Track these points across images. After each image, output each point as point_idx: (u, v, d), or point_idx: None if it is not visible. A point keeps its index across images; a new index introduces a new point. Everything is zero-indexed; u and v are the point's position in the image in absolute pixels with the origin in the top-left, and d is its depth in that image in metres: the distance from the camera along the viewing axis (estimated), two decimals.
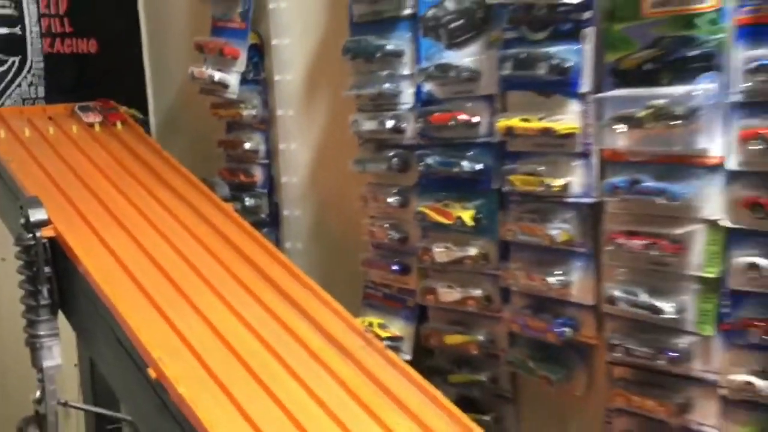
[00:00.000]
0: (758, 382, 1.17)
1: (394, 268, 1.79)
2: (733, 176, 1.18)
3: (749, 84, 1.12)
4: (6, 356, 2.33)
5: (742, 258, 1.16)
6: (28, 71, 2.54)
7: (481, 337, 1.65)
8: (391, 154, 1.73)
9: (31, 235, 1.78)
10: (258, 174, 2.21)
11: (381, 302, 1.85)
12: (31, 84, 2.55)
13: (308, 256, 2.11)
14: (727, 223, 1.20)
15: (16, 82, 2.51)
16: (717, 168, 1.21)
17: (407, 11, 1.66)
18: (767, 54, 1.09)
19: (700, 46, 1.21)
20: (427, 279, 1.71)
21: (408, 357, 1.73)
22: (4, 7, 2.41)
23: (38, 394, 1.87)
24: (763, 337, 1.16)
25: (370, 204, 1.80)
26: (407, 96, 1.69)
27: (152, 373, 1.41)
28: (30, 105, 2.51)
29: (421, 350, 1.77)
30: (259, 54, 2.15)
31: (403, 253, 1.78)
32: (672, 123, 1.19)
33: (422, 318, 1.78)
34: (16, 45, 2.50)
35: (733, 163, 1.17)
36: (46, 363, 1.83)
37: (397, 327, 1.78)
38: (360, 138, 1.79)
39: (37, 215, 1.79)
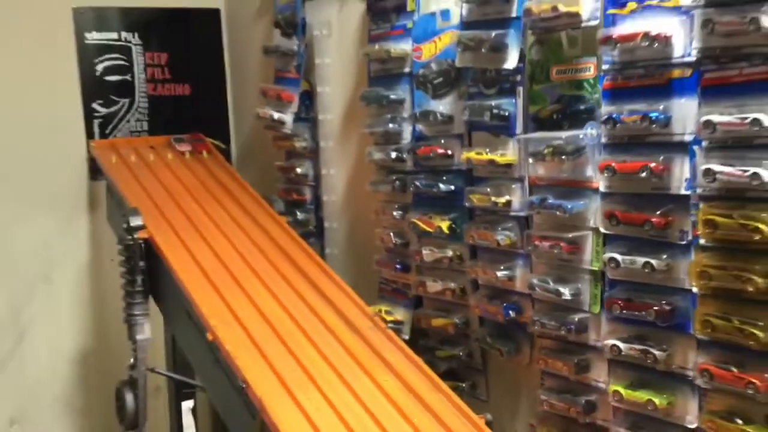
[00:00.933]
0: (621, 344, 1.65)
1: (398, 267, 2.31)
2: (602, 196, 1.67)
3: (604, 130, 1.62)
4: (112, 331, 2.86)
5: (607, 254, 1.65)
6: (136, 110, 3.01)
7: (457, 320, 2.14)
8: (394, 177, 2.25)
9: (130, 236, 2.26)
10: (307, 194, 2.73)
11: (390, 294, 2.37)
12: (137, 120, 3.01)
13: (343, 259, 2.63)
14: (602, 229, 1.69)
15: (126, 119, 2.99)
16: (597, 190, 1.70)
17: (407, 69, 2.18)
18: (615, 110, 1.59)
19: (586, 102, 1.70)
20: (420, 275, 2.23)
21: (407, 337, 2.23)
22: (119, 60, 2.94)
23: (132, 361, 2.34)
24: (623, 311, 1.64)
25: (381, 217, 2.32)
26: (407, 133, 2.21)
27: (209, 336, 1.94)
28: (136, 137, 2.99)
29: (417, 332, 2.28)
30: (309, 98, 2.67)
31: (405, 256, 2.30)
32: (563, 158, 1.70)
33: (419, 306, 2.30)
34: (126, 89, 2.98)
35: (601, 187, 1.67)
36: (139, 336, 2.31)
37: (400, 313, 2.29)
38: (375, 165, 2.34)
39: (135, 221, 2.28)
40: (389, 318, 2.24)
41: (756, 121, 1.35)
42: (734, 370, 1.45)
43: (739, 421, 1.47)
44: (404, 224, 2.25)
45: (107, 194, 2.75)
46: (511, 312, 1.95)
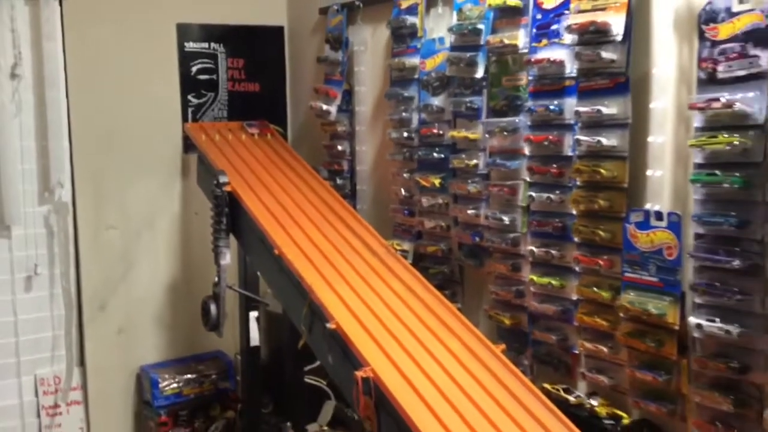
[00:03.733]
0: (535, 249, 2.84)
1: (405, 212, 3.47)
2: (528, 158, 2.87)
3: (528, 117, 2.83)
4: (194, 267, 3.97)
5: (529, 193, 2.85)
6: (219, 101, 3.97)
7: (443, 247, 3.31)
8: (405, 150, 3.40)
9: (219, 189, 3.10)
10: (345, 165, 3.83)
11: (400, 233, 3.51)
12: (219, 109, 3.97)
13: (370, 212, 3.75)
14: (527, 179, 2.89)
15: (211, 108, 3.95)
16: (525, 155, 2.89)
17: (416, 76, 3.35)
18: (533, 104, 2.78)
19: (521, 99, 2.90)
20: (420, 216, 3.40)
21: (410, 261, 3.38)
22: (208, 63, 3.93)
23: (216, 280, 3.19)
24: (536, 228, 2.84)
25: (396, 178, 3.48)
26: (414, 120, 3.37)
27: (276, 251, 2.93)
28: (218, 121, 3.91)
29: (418, 257, 3.43)
30: (349, 95, 3.79)
31: (410, 204, 3.45)
32: (506, 134, 2.90)
33: (420, 239, 3.48)
34: (212, 85, 3.95)
35: (526, 152, 2.86)
36: (222, 261, 3.16)
37: (406, 245, 3.44)
38: (393, 142, 3.54)
39: (223, 179, 3.12)
40: (398, 247, 3.40)
41: (599, 111, 2.54)
42: (589, 256, 2.65)
43: (595, 289, 2.65)
44: (410, 182, 3.40)
45: (198, 163, 3.65)
46: (476, 237, 3.11)
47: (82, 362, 3.84)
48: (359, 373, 2.32)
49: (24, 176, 3.62)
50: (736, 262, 2.17)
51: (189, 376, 3.97)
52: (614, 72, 2.53)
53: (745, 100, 2.14)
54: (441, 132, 3.24)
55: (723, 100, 2.16)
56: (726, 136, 2.17)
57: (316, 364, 3.72)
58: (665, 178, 2.43)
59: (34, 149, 3.64)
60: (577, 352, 2.77)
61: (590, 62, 2.57)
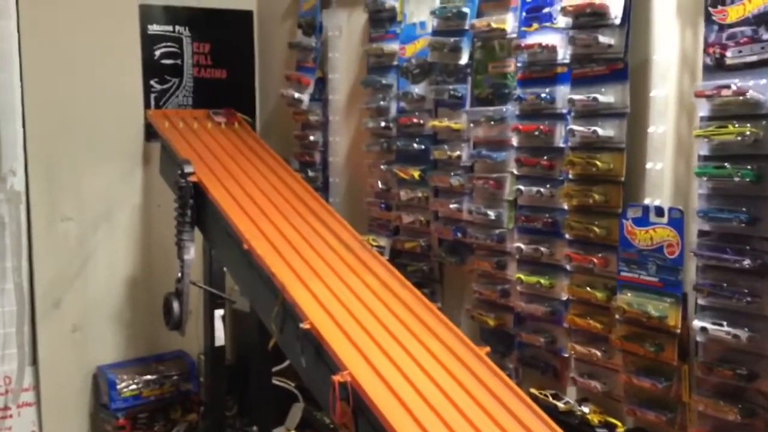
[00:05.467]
0: (523, 246, 2.69)
1: (382, 206, 3.31)
2: (516, 150, 2.72)
3: (516, 106, 2.67)
4: (156, 262, 3.81)
5: (516, 186, 2.70)
6: (183, 87, 3.83)
7: (422, 243, 3.16)
8: (382, 140, 3.25)
9: (183, 180, 2.99)
10: (317, 156, 3.70)
11: (376, 228, 3.36)
12: (184, 96, 3.84)
13: (343, 205, 3.61)
14: (515, 171, 2.74)
15: (175, 94, 3.81)
16: (512, 146, 2.74)
17: (395, 63, 3.21)
18: (522, 92, 2.63)
19: (508, 87, 2.75)
20: (398, 211, 3.25)
21: (387, 257, 3.26)
22: (172, 47, 3.83)
23: (179, 275, 3.08)
24: (524, 224, 2.69)
25: (372, 169, 3.33)
26: (393, 108, 3.22)
27: (245, 245, 2.79)
28: (183, 109, 3.78)
29: (395, 253, 3.28)
30: (322, 83, 3.64)
31: (387, 198, 3.30)
32: (492, 123, 2.75)
33: (397, 234, 3.32)
34: (177, 71, 3.81)
35: (514, 142, 2.71)
36: (186, 256, 3.04)
37: (383, 241, 3.29)
38: (369, 132, 3.37)
39: (188, 169, 3.01)
40: (374, 243, 3.24)
41: (595, 99, 2.40)
42: (582, 253, 2.50)
43: (589, 289, 2.51)
44: (388, 175, 3.25)
45: (161, 152, 3.54)
46: (458, 233, 2.96)
47: (34, 361, 3.66)
48: (337, 378, 2.18)
49: None
50: (746, 262, 2.03)
51: (149, 377, 3.81)
52: (611, 58, 2.39)
53: (758, 88, 2.00)
54: (421, 121, 3.09)
55: (734, 87, 2.02)
56: (737, 125, 2.02)
57: (284, 364, 3.59)
58: (666, 171, 2.30)
59: None
60: (566, 355, 2.63)
61: (586, 47, 2.43)
